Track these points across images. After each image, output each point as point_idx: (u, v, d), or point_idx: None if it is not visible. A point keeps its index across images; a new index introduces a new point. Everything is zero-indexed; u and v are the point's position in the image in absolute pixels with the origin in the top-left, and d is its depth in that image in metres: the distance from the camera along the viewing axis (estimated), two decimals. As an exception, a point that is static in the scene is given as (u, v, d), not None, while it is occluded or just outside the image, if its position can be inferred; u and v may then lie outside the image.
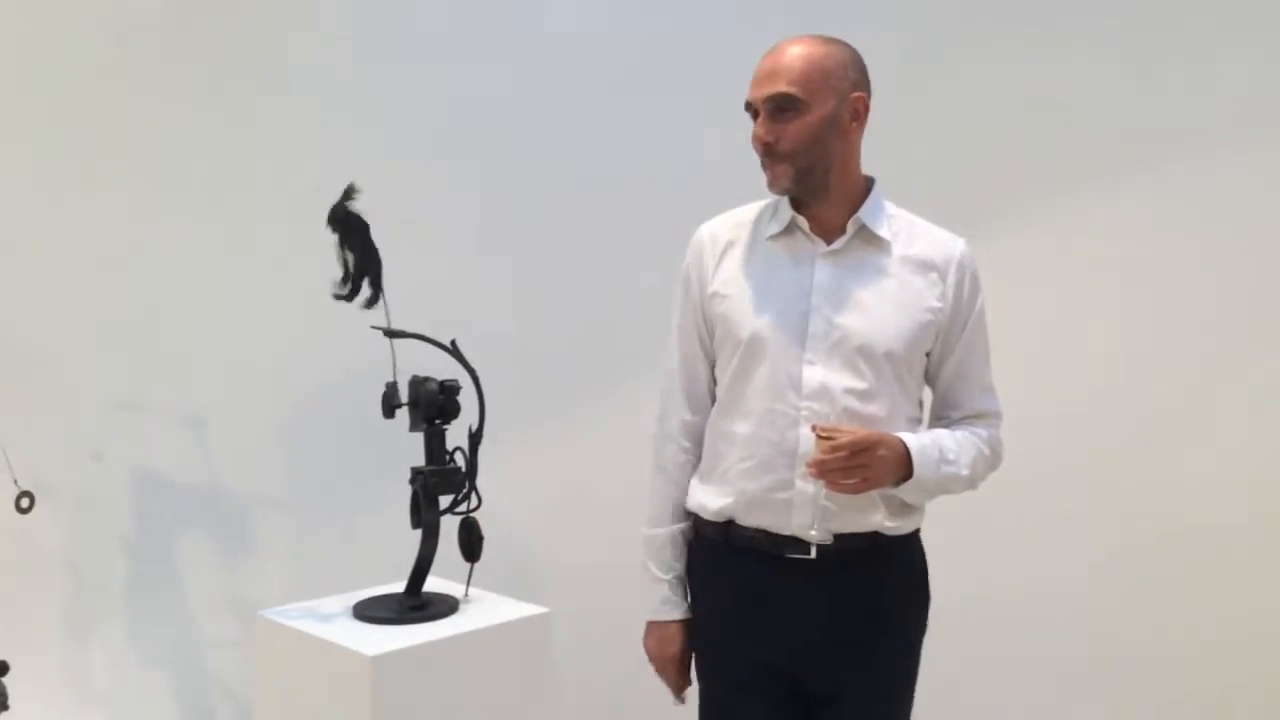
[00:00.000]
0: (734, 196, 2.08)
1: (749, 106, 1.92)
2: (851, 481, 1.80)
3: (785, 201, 1.98)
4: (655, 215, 3.20)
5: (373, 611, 2.22)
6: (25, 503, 2.81)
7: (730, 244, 2.02)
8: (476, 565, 2.32)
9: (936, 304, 1.93)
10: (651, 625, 2.09)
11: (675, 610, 2.07)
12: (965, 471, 1.92)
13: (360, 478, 3.25)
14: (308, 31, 3.25)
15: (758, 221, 2.02)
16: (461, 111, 3.29)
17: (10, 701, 2.65)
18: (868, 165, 1.99)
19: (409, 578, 2.27)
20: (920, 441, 1.88)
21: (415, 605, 2.23)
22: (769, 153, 1.89)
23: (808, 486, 1.88)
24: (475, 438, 2.27)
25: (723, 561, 2.00)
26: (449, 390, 2.24)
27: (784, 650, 1.94)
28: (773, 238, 1.98)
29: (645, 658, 2.12)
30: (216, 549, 3.31)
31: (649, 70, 3.33)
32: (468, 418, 2.30)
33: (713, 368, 2.04)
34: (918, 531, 2.03)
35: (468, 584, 2.33)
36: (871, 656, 1.94)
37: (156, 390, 3.19)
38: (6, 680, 2.64)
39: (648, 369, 3.23)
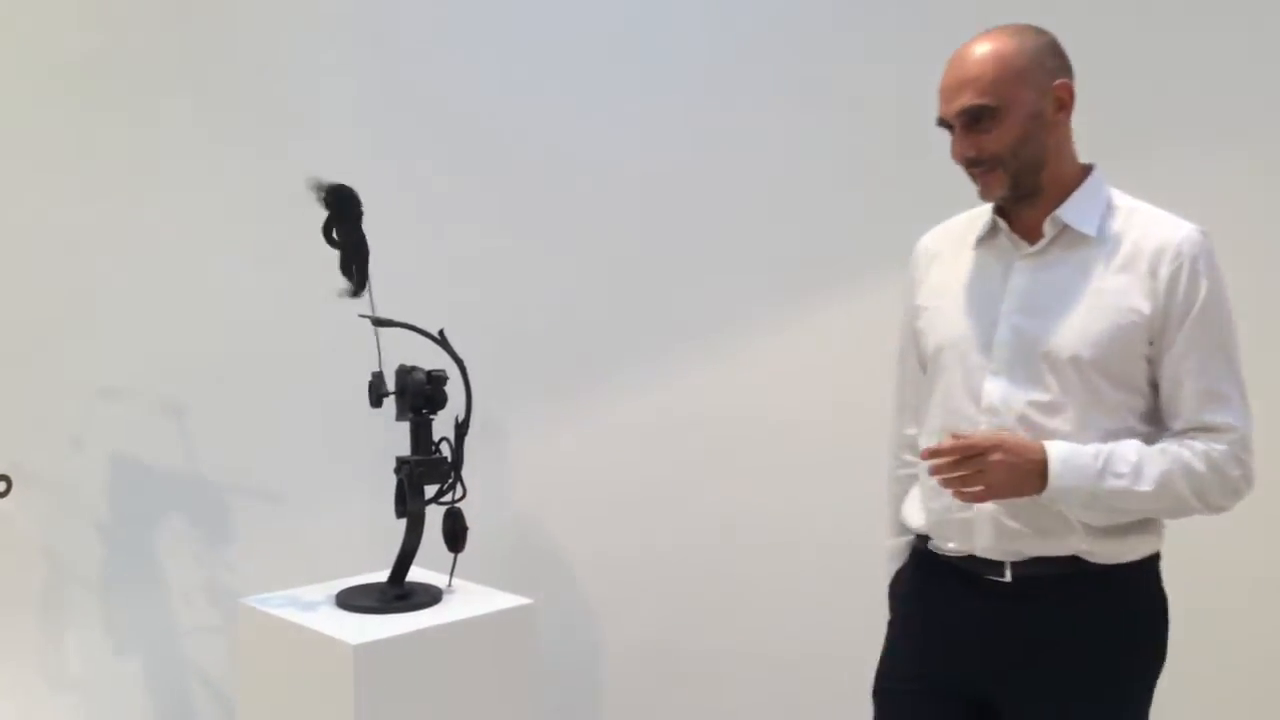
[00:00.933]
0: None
1: (942, 122, 1.81)
2: (973, 489, 1.71)
3: (991, 204, 1.87)
4: (636, 211, 3.23)
5: (356, 600, 2.22)
6: (1, 486, 2.80)
7: (937, 255, 1.96)
8: (459, 556, 2.32)
9: (1144, 303, 1.74)
10: None
11: None
12: (1147, 488, 1.70)
13: (341, 467, 3.24)
14: (302, 21, 3.24)
15: (969, 227, 1.93)
16: (453, 103, 3.28)
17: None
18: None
19: (392, 567, 2.27)
20: (1073, 449, 1.71)
21: (399, 595, 2.23)
22: (973, 164, 1.79)
23: (986, 504, 1.78)
24: (461, 428, 2.26)
25: (922, 574, 1.96)
26: (436, 380, 2.24)
27: (968, 670, 1.87)
28: (978, 244, 1.89)
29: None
30: (195, 537, 3.29)
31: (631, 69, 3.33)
32: (453, 408, 2.29)
33: None
34: (1146, 561, 1.83)
35: (451, 574, 2.33)
36: (1063, 694, 1.80)
37: (136, 378, 3.17)
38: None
39: (628, 362, 3.27)
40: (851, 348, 3.21)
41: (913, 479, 2.01)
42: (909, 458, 2.02)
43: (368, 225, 2.27)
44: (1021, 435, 1.73)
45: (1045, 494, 1.70)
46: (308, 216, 3.09)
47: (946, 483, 1.72)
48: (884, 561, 2.08)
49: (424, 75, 3.27)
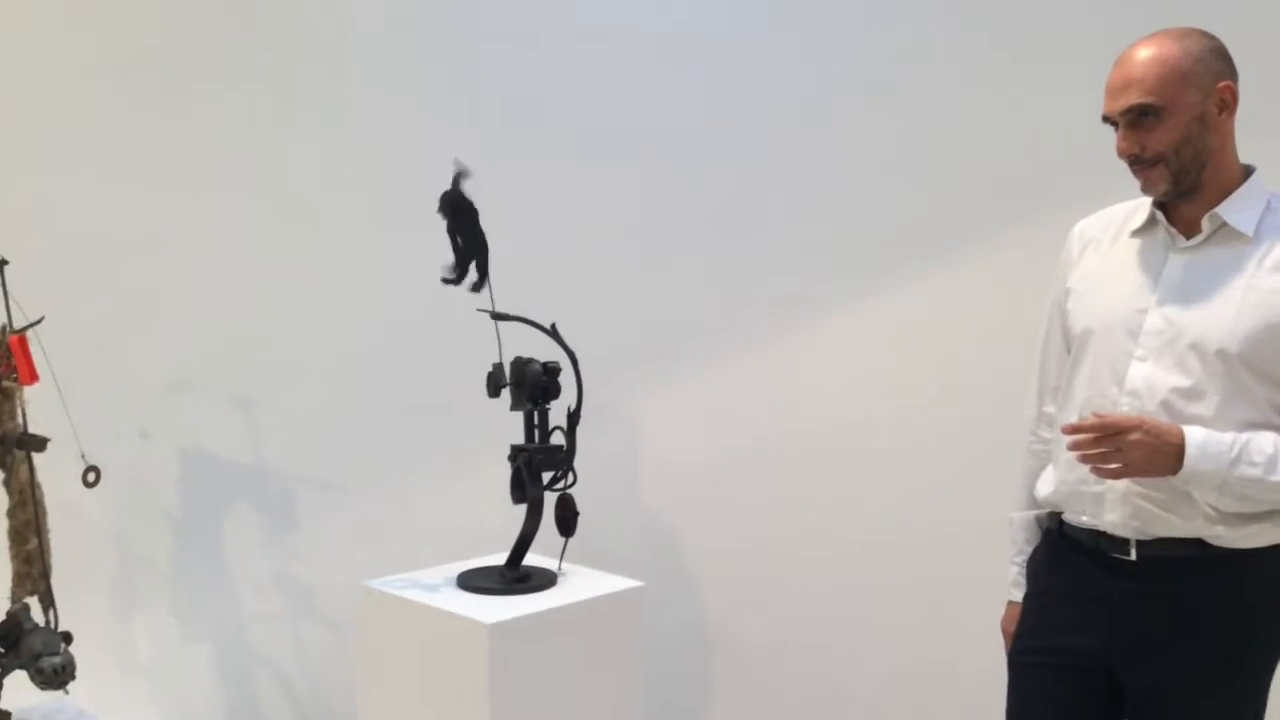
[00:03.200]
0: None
1: (1107, 119, 1.90)
2: (1110, 466, 1.80)
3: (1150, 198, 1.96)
4: (719, 210, 3.31)
5: (477, 582, 2.31)
6: (92, 477, 2.87)
7: (1094, 240, 2.04)
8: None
9: None
10: (1007, 604, 2.20)
11: (1018, 591, 2.16)
12: (1278, 479, 1.79)
13: (403, 459, 3.33)
14: (372, 16, 3.30)
15: (1129, 217, 2.02)
16: (555, 98, 3.33)
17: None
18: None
19: (511, 550, 2.36)
20: (1212, 436, 1.79)
21: (518, 577, 2.32)
22: (1136, 161, 1.88)
23: (1120, 481, 1.87)
24: (574, 417, 2.35)
25: (1054, 549, 2.06)
26: (551, 371, 2.32)
27: (1097, 644, 1.96)
28: (1135, 233, 1.98)
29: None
30: (262, 526, 3.37)
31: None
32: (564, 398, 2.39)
33: None
34: (1273, 550, 1.88)
35: (561, 558, 2.41)
36: (1190, 668, 1.89)
37: (205, 370, 3.25)
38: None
39: (715, 354, 3.34)
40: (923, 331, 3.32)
41: (1047, 455, 2.11)
42: (1046, 434, 2.13)
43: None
44: (1161, 419, 1.82)
45: (1179, 476, 1.79)
46: (377, 211, 3.19)
47: (1085, 458, 1.81)
48: (1011, 531, 2.21)
49: (501, 67, 3.33)
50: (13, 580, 2.83)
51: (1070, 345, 2.04)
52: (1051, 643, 2.03)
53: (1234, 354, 1.82)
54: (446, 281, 2.31)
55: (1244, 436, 1.80)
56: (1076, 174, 2.96)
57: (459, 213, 2.29)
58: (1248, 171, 1.91)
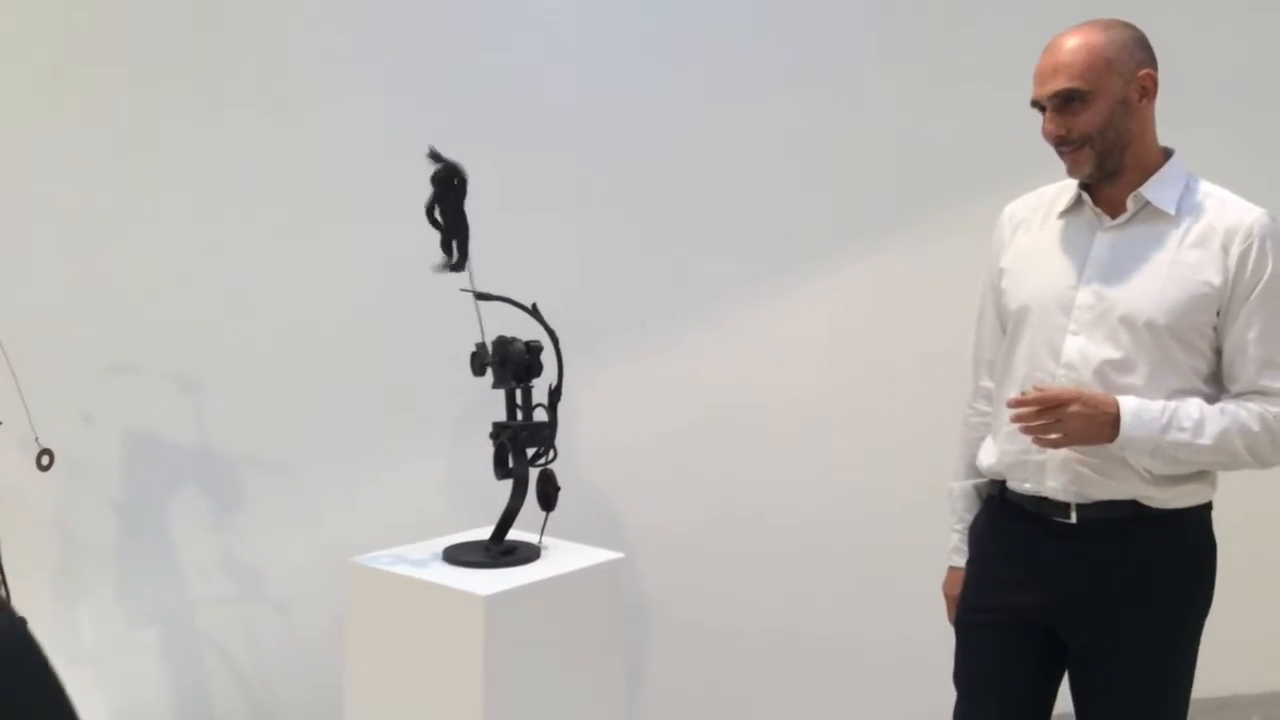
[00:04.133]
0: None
1: (1035, 103, 1.99)
2: (1052, 437, 1.90)
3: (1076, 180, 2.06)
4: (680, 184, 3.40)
5: (465, 557, 2.35)
6: (45, 460, 2.83)
7: (1024, 221, 2.15)
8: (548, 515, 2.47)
9: (1216, 277, 1.93)
10: (949, 570, 2.31)
11: (959, 557, 2.27)
12: (1206, 441, 1.90)
13: (348, 439, 3.34)
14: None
15: (1055, 199, 2.12)
16: (519, 86, 3.37)
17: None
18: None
19: (496, 525, 2.41)
20: (1144, 405, 1.91)
21: (504, 551, 2.36)
22: (1063, 143, 1.97)
23: (1060, 450, 1.97)
24: (556, 395, 2.40)
25: (996, 516, 2.17)
26: (534, 350, 2.37)
27: (1040, 603, 2.07)
28: (1062, 214, 2.08)
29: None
30: (208, 510, 3.34)
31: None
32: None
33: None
34: (1200, 508, 2.03)
35: (542, 532, 2.46)
36: (1128, 624, 2.01)
37: (148, 354, 3.21)
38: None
39: (692, 330, 3.43)
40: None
41: (986, 427, 2.24)
42: (984, 407, 2.26)
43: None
44: (1096, 390, 1.94)
45: (1115, 443, 1.91)
46: (318, 195, 3.19)
47: (1027, 429, 1.92)
48: (950, 500, 2.32)
49: (444, 52, 3.35)
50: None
51: (1006, 323, 2.15)
52: (996, 601, 2.15)
53: (1161, 325, 1.93)
54: (446, 269, 2.31)
55: (1173, 404, 1.93)
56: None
57: (449, 190, 2.31)
58: (1167, 154, 2.02)
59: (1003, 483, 2.15)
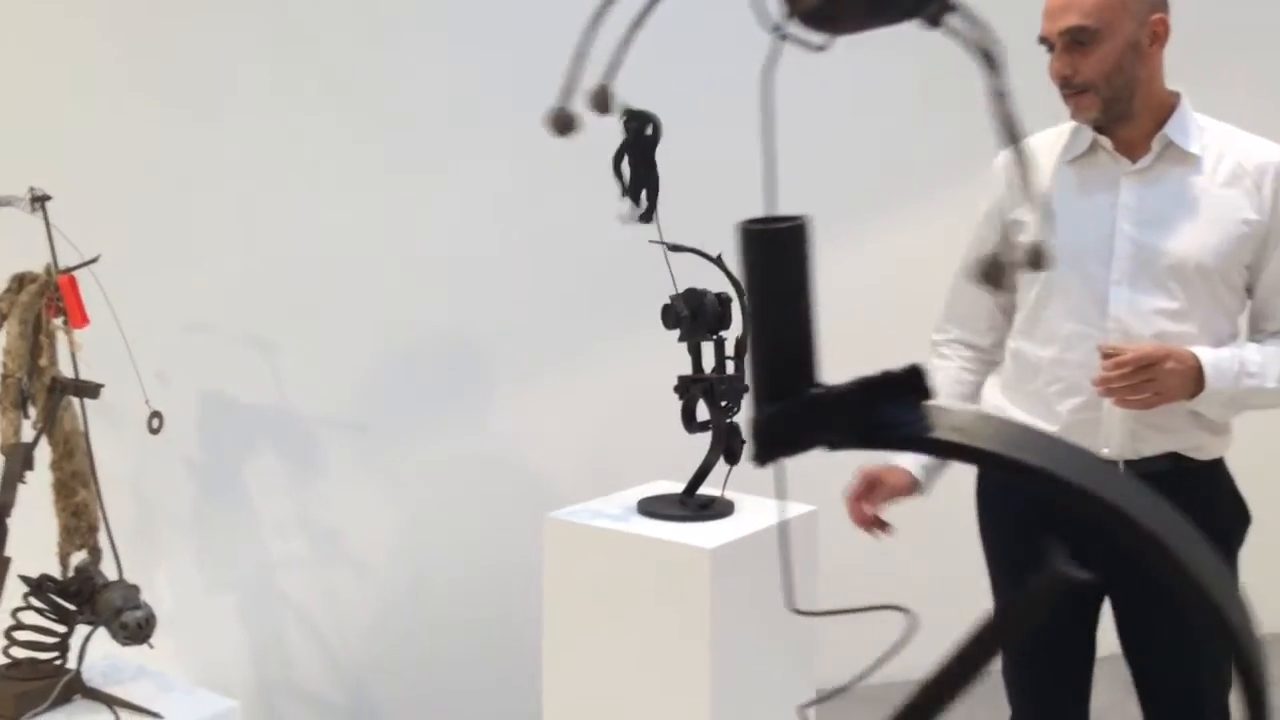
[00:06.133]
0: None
1: (1043, 40, 1.89)
2: (1142, 397, 1.81)
3: (1076, 124, 1.97)
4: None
5: (664, 510, 2.33)
6: (156, 423, 2.71)
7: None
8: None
9: (1253, 215, 1.87)
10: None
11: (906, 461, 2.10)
12: (1273, 385, 1.87)
13: (423, 401, 3.27)
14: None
15: (1055, 146, 2.01)
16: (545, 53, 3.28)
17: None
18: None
19: (691, 478, 2.39)
20: (1217, 354, 1.85)
21: (702, 504, 2.35)
22: (1068, 84, 1.88)
23: (1115, 407, 1.88)
24: (742, 347, 2.39)
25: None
26: (726, 302, 2.35)
27: (1086, 557, 2.07)
28: (1074, 160, 1.98)
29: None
30: (285, 473, 3.24)
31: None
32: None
33: (994, 312, 2.13)
34: (1222, 460, 2.00)
35: (724, 486, 2.45)
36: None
37: (222, 312, 3.09)
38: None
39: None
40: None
41: (972, 374, 2.16)
42: (965, 351, 2.17)
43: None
44: (1147, 342, 1.86)
45: (1198, 397, 1.85)
46: (384, 151, 3.07)
47: (1111, 391, 1.82)
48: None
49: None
50: (60, 535, 2.64)
51: (1024, 279, 2.02)
52: (1030, 557, 2.10)
53: (1212, 268, 1.88)
54: (636, 220, 2.27)
55: (1236, 351, 1.89)
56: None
57: (640, 139, 2.26)
58: (1176, 97, 1.96)
59: None
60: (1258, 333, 1.98)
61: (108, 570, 2.60)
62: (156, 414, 2.72)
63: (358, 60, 3.12)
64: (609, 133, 2.19)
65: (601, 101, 0.72)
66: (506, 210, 3.23)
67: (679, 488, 2.53)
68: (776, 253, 0.70)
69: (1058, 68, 1.88)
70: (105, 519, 2.64)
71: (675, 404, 2.35)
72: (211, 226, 3.05)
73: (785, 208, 0.73)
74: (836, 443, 0.71)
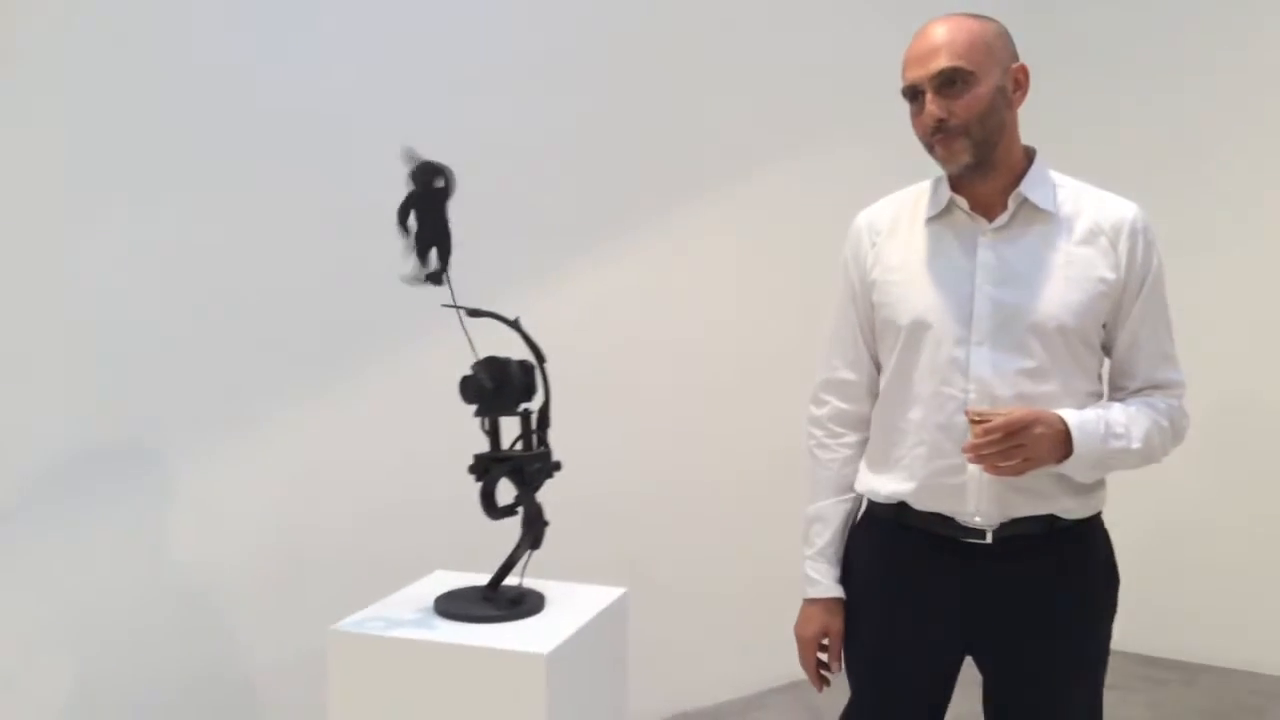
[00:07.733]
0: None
1: (909, 90, 1.85)
2: (1012, 463, 1.75)
3: (943, 182, 1.92)
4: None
5: (469, 610, 2.04)
6: None
7: (887, 231, 1.98)
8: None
9: (1109, 274, 1.86)
10: (805, 605, 2.10)
11: (818, 590, 2.07)
12: (1137, 445, 1.84)
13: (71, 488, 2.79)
14: None
15: (916, 205, 1.97)
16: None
17: None
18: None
19: (498, 570, 2.11)
20: (1083, 416, 1.81)
21: (513, 599, 2.08)
22: (941, 128, 1.82)
23: (977, 471, 1.83)
24: (546, 418, 2.15)
25: (893, 537, 1.97)
26: (529, 369, 2.10)
27: (954, 624, 1.93)
28: (931, 220, 1.93)
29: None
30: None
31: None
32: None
33: (873, 359, 2.04)
34: (1098, 517, 1.96)
35: (523, 572, 2.17)
36: (1051, 638, 1.90)
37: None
38: None
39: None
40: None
41: (850, 449, 2.08)
42: (838, 429, 2.09)
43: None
44: (1013, 404, 1.82)
45: (1070, 459, 1.80)
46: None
47: (981, 458, 1.76)
48: (808, 527, 2.11)
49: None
50: None
51: (887, 339, 1.99)
52: (904, 637, 1.99)
53: (1072, 327, 1.84)
54: (418, 282, 1.99)
55: (1100, 412, 1.85)
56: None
57: (430, 193, 1.99)
58: (1030, 153, 1.94)
59: (897, 505, 1.97)
60: (1118, 390, 1.96)
61: None
62: None
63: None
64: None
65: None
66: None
67: (462, 579, 2.26)
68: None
69: (932, 111, 1.82)
70: None
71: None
72: None
73: None
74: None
